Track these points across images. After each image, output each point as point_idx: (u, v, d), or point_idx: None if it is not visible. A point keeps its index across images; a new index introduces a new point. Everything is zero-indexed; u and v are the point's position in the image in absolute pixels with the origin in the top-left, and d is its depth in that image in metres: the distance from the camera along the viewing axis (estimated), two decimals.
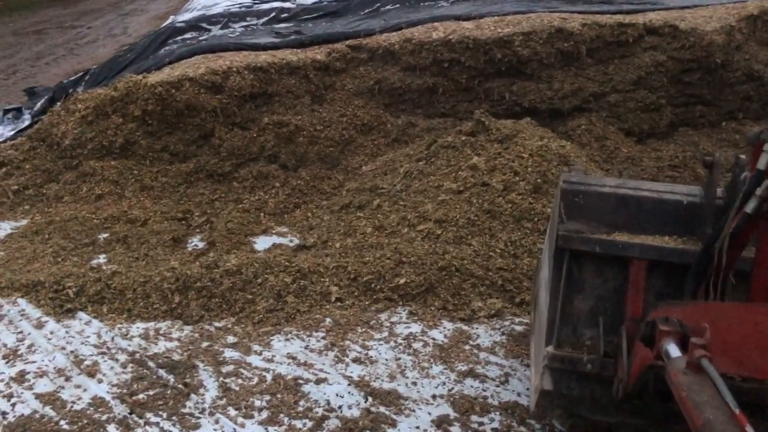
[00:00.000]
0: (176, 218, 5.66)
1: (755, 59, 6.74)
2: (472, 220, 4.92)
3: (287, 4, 8.26)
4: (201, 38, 7.25)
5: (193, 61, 6.31)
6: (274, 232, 5.65)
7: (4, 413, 3.47)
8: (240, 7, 8.30)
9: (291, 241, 5.48)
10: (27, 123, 7.05)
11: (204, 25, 7.64)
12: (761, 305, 2.24)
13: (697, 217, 2.88)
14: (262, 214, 5.83)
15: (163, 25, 8.41)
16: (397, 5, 7.63)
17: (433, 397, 3.64)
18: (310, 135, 6.19)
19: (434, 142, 5.80)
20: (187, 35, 7.49)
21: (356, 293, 4.55)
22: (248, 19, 7.70)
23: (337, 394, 3.61)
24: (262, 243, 5.46)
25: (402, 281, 4.56)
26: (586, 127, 6.54)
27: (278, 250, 5.23)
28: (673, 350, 1.99)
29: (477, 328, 4.27)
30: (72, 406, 3.51)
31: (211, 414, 3.46)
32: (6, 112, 7.48)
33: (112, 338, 4.15)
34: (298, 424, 3.39)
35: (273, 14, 7.71)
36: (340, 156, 6.27)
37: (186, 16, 8.34)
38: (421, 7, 7.51)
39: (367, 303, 4.50)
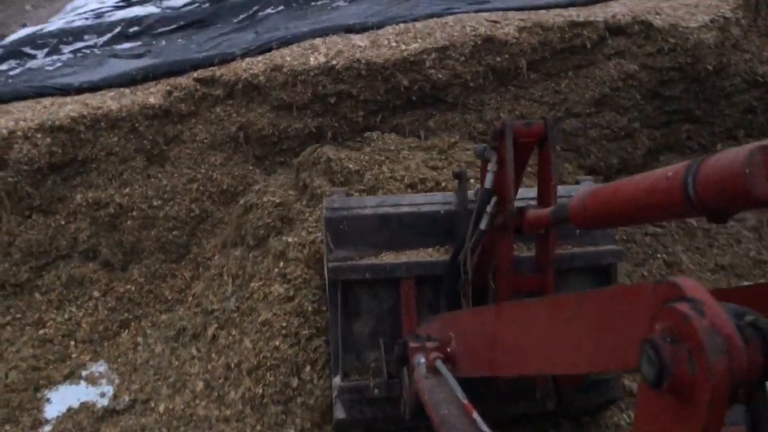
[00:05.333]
0: None
1: (758, 59, 4.95)
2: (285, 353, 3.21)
3: (146, 9, 6.32)
4: (13, 72, 5.35)
5: None
6: (84, 374, 3.92)
7: None
8: (86, 19, 6.36)
9: (103, 393, 3.75)
10: None
11: (27, 49, 5.70)
12: (483, 307, 2.42)
13: (455, 225, 2.99)
14: (72, 344, 4.08)
15: None
16: (281, 8, 5.72)
17: None
18: (143, 215, 4.38)
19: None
20: (4, 66, 5.57)
21: None
22: (86, 37, 5.77)
23: None
24: (59, 401, 3.74)
25: None
26: (532, 168, 4.77)
27: (70, 423, 3.51)
28: (421, 361, 2.16)
29: None
30: None
31: None
32: None
33: None
34: None
35: (118, 29, 5.79)
36: (189, 241, 4.48)
37: (16, 35, 6.38)
38: (310, 10, 5.61)
39: None
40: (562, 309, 1.41)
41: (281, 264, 3.55)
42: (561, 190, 3.01)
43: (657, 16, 4.72)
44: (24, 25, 13.75)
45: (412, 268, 2.94)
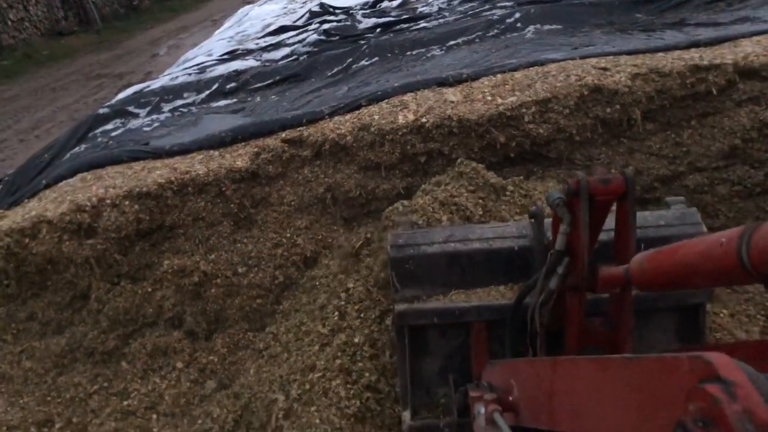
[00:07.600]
0: None
1: None
2: None
3: (246, 63, 6.35)
4: (116, 132, 5.47)
5: (63, 189, 4.50)
6: None
7: None
8: (189, 75, 6.47)
9: None
10: None
11: (131, 108, 5.83)
12: (540, 359, 2.33)
13: (530, 262, 2.83)
14: (154, 417, 3.96)
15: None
16: (375, 59, 5.53)
17: None
18: (227, 283, 4.24)
19: None
20: (109, 125, 5.72)
21: None
22: (185, 95, 5.83)
23: None
24: None
25: None
26: None
27: None
28: (481, 411, 2.08)
29: None
30: None
31: None
32: None
33: None
34: None
35: (216, 85, 5.81)
36: (274, 308, 4.30)
37: (124, 93, 6.59)
38: (404, 60, 5.36)
39: None
40: (609, 371, 1.37)
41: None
42: (649, 217, 2.88)
43: None
44: (146, 76, 14.50)
45: (483, 312, 2.77)
